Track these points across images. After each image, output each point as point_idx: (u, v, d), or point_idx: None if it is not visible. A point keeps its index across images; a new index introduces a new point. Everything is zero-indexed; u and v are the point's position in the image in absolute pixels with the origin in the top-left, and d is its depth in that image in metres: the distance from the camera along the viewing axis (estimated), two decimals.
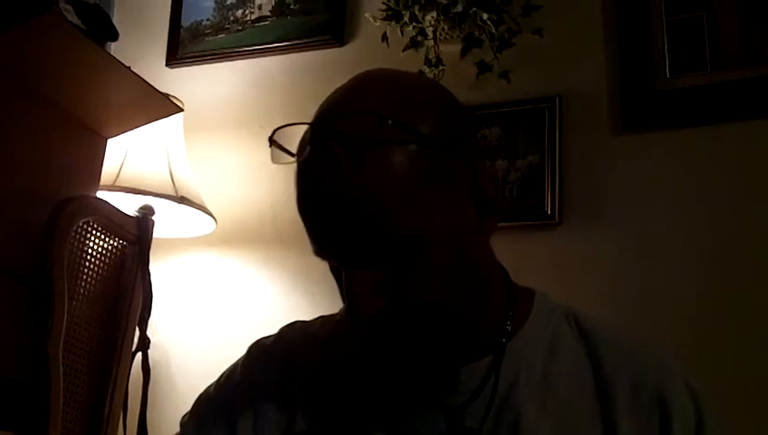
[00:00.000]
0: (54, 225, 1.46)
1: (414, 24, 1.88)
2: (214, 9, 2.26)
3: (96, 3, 1.53)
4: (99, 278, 1.61)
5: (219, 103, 2.16)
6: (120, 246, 1.68)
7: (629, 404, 0.80)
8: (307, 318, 0.99)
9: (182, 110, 1.81)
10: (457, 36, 1.87)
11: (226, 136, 2.12)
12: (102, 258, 1.63)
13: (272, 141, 0.78)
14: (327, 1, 2.11)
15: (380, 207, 0.73)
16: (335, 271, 0.81)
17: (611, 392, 0.81)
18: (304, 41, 2.12)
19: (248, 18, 2.21)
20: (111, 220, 1.64)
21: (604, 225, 1.71)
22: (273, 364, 0.93)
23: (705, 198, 1.65)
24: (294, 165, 0.78)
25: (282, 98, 2.09)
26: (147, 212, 1.77)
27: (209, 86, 2.19)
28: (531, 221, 1.75)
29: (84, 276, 1.57)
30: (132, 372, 1.71)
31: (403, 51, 1.89)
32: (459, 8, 1.81)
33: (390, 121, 0.73)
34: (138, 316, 1.70)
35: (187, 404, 0.97)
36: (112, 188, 1.76)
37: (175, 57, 2.26)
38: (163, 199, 1.80)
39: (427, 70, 1.86)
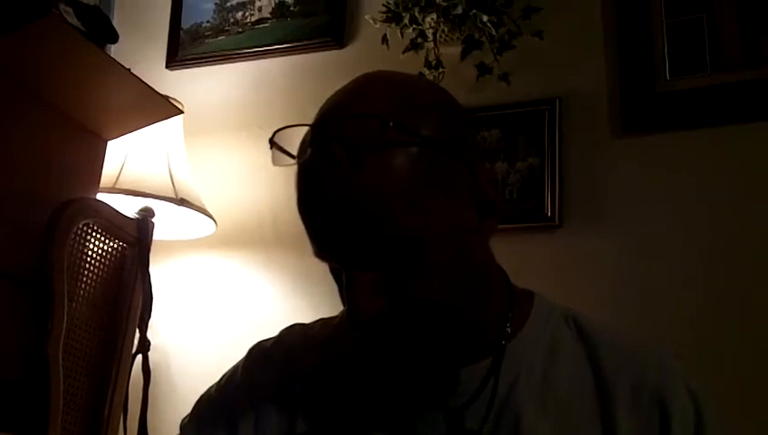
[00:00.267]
0: (54, 227, 1.46)
1: (414, 26, 1.88)
2: (214, 11, 2.26)
3: (96, 5, 1.53)
4: (99, 280, 1.61)
5: (219, 105, 2.16)
6: (120, 248, 1.68)
7: (629, 405, 0.80)
8: (307, 320, 0.99)
9: (182, 112, 1.81)
10: (457, 38, 1.87)
11: (226, 138, 2.12)
12: (102, 260, 1.63)
13: (272, 143, 0.78)
14: (327, 3, 2.11)
15: (381, 208, 0.73)
16: (335, 273, 0.81)
17: (611, 393, 0.81)
18: (304, 43, 2.12)
19: (248, 20, 2.21)
20: (111, 222, 1.64)
21: (604, 227, 1.71)
22: (273, 367, 0.93)
23: (704, 200, 1.65)
24: (295, 167, 0.78)
25: (282, 100, 2.09)
26: (147, 214, 1.77)
27: (209, 88, 2.20)
28: (531, 223, 1.75)
29: (84, 278, 1.57)
30: (132, 373, 1.71)
31: (403, 53, 1.89)
32: (459, 10, 1.81)
33: (391, 124, 0.73)
34: (138, 318, 1.70)
35: (187, 406, 0.97)
36: (112, 190, 1.76)
37: (175, 59, 2.26)
38: (163, 201, 1.80)
39: (427, 72, 1.86)
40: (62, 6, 1.41)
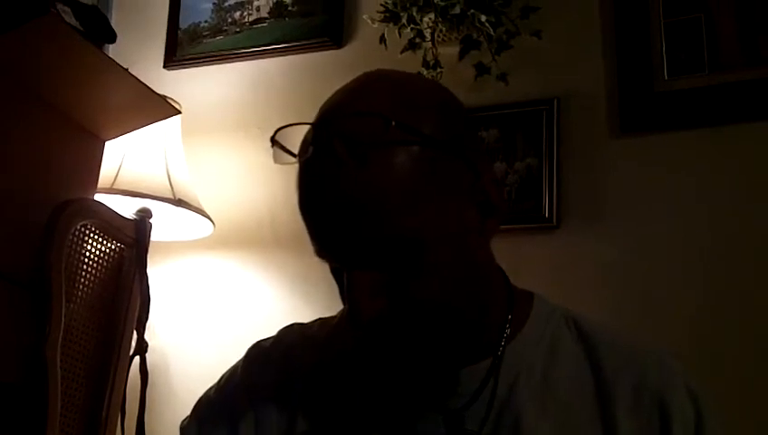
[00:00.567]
0: (53, 227, 1.46)
1: (412, 25, 1.88)
2: (212, 11, 2.26)
3: (94, 4, 1.53)
4: (96, 281, 1.61)
5: (217, 105, 2.16)
6: (117, 249, 1.68)
7: (630, 406, 0.80)
8: (305, 320, 0.99)
9: (180, 112, 1.81)
10: (455, 38, 1.87)
11: (224, 138, 2.12)
12: (100, 261, 1.62)
13: (274, 141, 0.78)
14: (325, 3, 2.11)
15: (382, 207, 0.73)
16: (336, 272, 0.81)
17: (611, 394, 0.81)
18: (302, 43, 2.11)
19: (246, 20, 2.21)
20: (109, 223, 1.64)
21: (603, 227, 1.71)
22: (272, 366, 0.93)
23: (704, 200, 1.65)
24: (296, 166, 0.78)
25: (280, 100, 2.09)
26: (144, 215, 1.77)
27: (207, 88, 2.19)
28: (529, 224, 1.75)
29: (82, 279, 1.57)
30: (130, 375, 1.70)
31: (401, 53, 1.89)
32: (457, 10, 1.81)
33: (394, 123, 0.72)
34: (135, 319, 1.70)
35: (185, 407, 0.97)
36: (110, 190, 1.76)
37: (173, 59, 2.26)
38: (161, 202, 1.80)
39: (425, 72, 1.86)
40: (60, 6, 1.40)
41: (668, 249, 1.64)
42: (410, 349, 0.79)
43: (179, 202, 1.82)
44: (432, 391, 0.84)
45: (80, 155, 1.57)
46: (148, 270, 1.72)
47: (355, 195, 0.72)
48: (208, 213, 1.90)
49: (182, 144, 1.94)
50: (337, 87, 0.82)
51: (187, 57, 2.24)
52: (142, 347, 1.72)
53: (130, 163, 1.82)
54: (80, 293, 1.56)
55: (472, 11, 1.81)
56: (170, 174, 1.85)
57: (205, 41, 2.24)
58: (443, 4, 1.82)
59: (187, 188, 1.87)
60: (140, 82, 1.54)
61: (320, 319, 0.98)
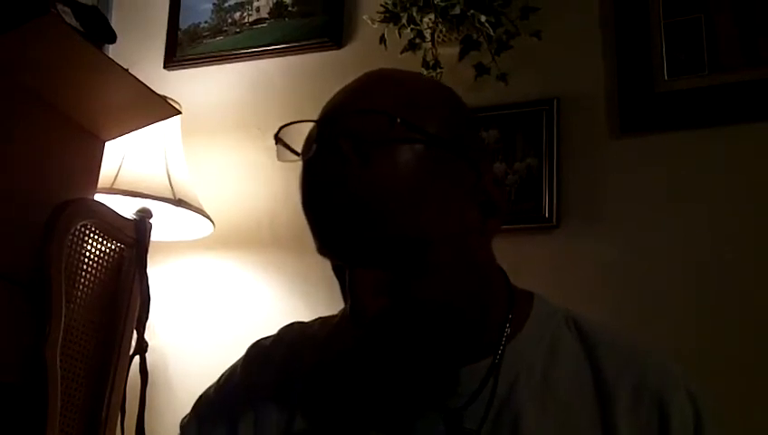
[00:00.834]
0: (53, 227, 1.46)
1: (412, 26, 1.88)
2: (212, 11, 2.26)
3: (94, 5, 1.53)
4: (96, 281, 1.61)
5: (217, 106, 2.16)
6: (117, 249, 1.68)
7: (629, 407, 0.80)
8: (305, 320, 0.99)
9: (180, 112, 1.81)
10: (455, 38, 1.87)
11: (224, 138, 2.12)
12: (100, 261, 1.63)
13: (277, 139, 0.78)
14: (325, 3, 2.11)
15: (386, 206, 0.73)
16: (337, 270, 0.81)
17: (611, 395, 0.81)
18: (302, 43, 2.12)
19: (246, 20, 2.21)
20: (109, 223, 1.64)
21: (602, 227, 1.71)
22: (272, 365, 0.93)
23: (703, 200, 1.65)
24: (298, 165, 0.78)
25: (280, 100, 2.09)
26: (144, 215, 1.77)
27: (207, 88, 2.19)
28: (528, 224, 1.75)
29: (82, 280, 1.57)
30: (130, 375, 1.70)
31: (401, 53, 1.89)
32: (457, 10, 1.81)
33: (399, 120, 0.73)
34: (135, 319, 1.70)
35: (185, 407, 0.97)
36: (110, 190, 1.76)
37: (173, 59, 2.26)
38: (161, 202, 1.80)
39: (425, 72, 1.86)
40: (60, 6, 1.40)
41: (668, 249, 1.64)
42: (411, 347, 0.79)
43: (179, 202, 1.82)
44: (432, 390, 0.84)
45: (80, 155, 1.57)
46: (148, 270, 1.72)
47: (359, 193, 0.73)
48: (208, 213, 1.90)
49: (182, 144, 1.94)
50: (337, 88, 0.82)
51: (187, 57, 2.24)
52: (142, 347, 1.72)
53: (130, 163, 1.82)
54: (80, 293, 1.56)
55: (472, 11, 1.81)
56: (170, 174, 1.85)
57: (205, 41, 2.24)
58: (443, 4, 1.82)
59: (186, 189, 1.87)
60: (140, 82, 1.54)
61: (320, 318, 0.98)
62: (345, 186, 0.73)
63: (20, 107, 1.44)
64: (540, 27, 1.82)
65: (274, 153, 0.79)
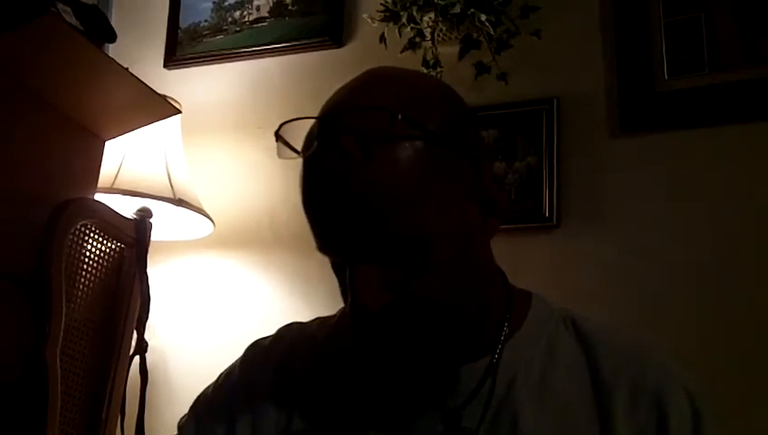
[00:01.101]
0: (53, 227, 1.46)
1: (412, 25, 1.88)
2: (212, 10, 2.26)
3: (94, 4, 1.53)
4: (96, 281, 1.61)
5: (217, 105, 2.16)
6: (117, 249, 1.68)
7: (627, 407, 0.80)
8: (305, 320, 0.99)
9: (180, 111, 1.81)
10: (455, 37, 1.87)
11: (224, 138, 2.12)
12: (100, 261, 1.62)
13: (278, 136, 0.78)
14: (325, 2, 2.11)
15: (387, 203, 0.73)
16: (337, 268, 0.81)
17: (609, 394, 0.81)
18: (302, 42, 2.11)
19: (246, 19, 2.21)
20: (109, 223, 1.64)
21: (602, 227, 1.71)
22: (270, 365, 0.93)
23: (703, 199, 1.65)
24: (298, 163, 0.78)
25: (280, 99, 2.09)
26: (144, 214, 1.76)
27: (207, 88, 2.19)
28: (529, 223, 1.75)
29: (82, 279, 1.57)
30: (130, 375, 1.70)
31: (401, 52, 1.89)
32: (457, 9, 1.81)
33: (400, 117, 0.73)
34: (135, 319, 1.70)
35: (184, 407, 0.97)
36: (110, 190, 1.76)
37: (173, 58, 2.26)
38: (161, 202, 1.80)
39: (425, 71, 1.86)
40: (60, 5, 1.40)
41: (668, 248, 1.64)
42: (411, 345, 0.79)
43: (179, 202, 1.82)
44: (431, 389, 0.84)
45: (80, 155, 1.57)
46: (149, 270, 1.72)
47: (361, 190, 0.73)
48: (208, 212, 1.90)
49: (182, 144, 1.94)
50: (337, 86, 0.82)
51: (188, 56, 2.24)
52: (142, 347, 1.72)
53: (131, 163, 1.82)
54: (80, 292, 1.56)
55: (472, 10, 1.81)
56: (170, 174, 1.85)
57: (205, 40, 2.24)
58: (443, 3, 1.82)
59: (187, 188, 1.87)
60: (140, 81, 1.54)
61: (318, 318, 0.98)
62: (347, 182, 0.73)
63: (20, 106, 1.44)
64: (540, 26, 1.82)
65: (275, 152, 0.79)
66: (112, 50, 1.95)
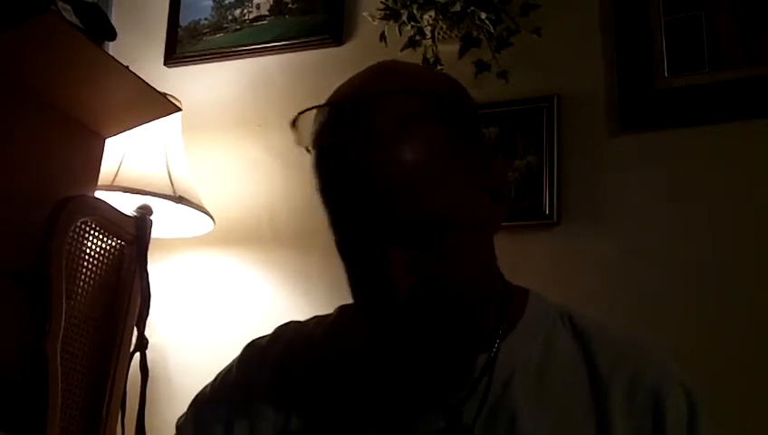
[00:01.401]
0: (53, 224, 1.46)
1: (412, 23, 1.88)
2: (212, 8, 2.26)
3: (94, 2, 1.53)
4: (97, 278, 1.61)
5: (217, 103, 2.16)
6: (118, 246, 1.68)
7: (625, 404, 0.81)
8: (305, 318, 0.99)
9: (180, 109, 1.81)
10: (455, 36, 1.88)
11: (224, 135, 2.12)
12: (100, 258, 1.63)
13: (294, 125, 0.78)
14: (325, 0, 2.11)
15: (417, 185, 0.74)
16: (354, 256, 0.79)
17: (606, 392, 0.81)
18: (302, 40, 2.11)
19: (246, 17, 2.21)
20: (110, 220, 1.64)
21: (602, 225, 1.72)
22: (268, 364, 0.92)
23: (703, 198, 1.65)
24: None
25: (280, 97, 2.09)
26: (145, 212, 1.77)
27: (207, 85, 2.19)
28: (529, 221, 1.75)
29: (82, 276, 1.57)
30: (130, 372, 1.71)
31: (401, 50, 1.89)
32: (457, 7, 1.81)
33: (427, 103, 0.75)
34: (136, 316, 1.70)
35: (185, 404, 0.97)
36: (110, 187, 1.76)
37: (173, 56, 2.26)
38: (161, 199, 1.80)
39: None
40: (60, 3, 1.40)
41: (668, 246, 1.65)
42: (431, 332, 0.78)
43: (180, 199, 1.82)
44: (437, 386, 0.83)
45: (80, 152, 1.57)
46: (149, 267, 1.73)
47: (392, 173, 0.73)
48: (209, 210, 1.90)
49: (182, 141, 1.94)
50: (337, 84, 0.82)
51: (188, 54, 2.24)
52: (142, 344, 1.72)
53: (131, 160, 1.82)
54: (80, 290, 1.56)
55: (472, 8, 1.81)
56: (171, 171, 1.85)
57: (205, 38, 2.24)
58: (443, 1, 1.83)
59: (187, 185, 1.87)
60: (141, 79, 1.54)
61: (316, 317, 0.98)
62: (378, 166, 0.73)
63: (20, 105, 1.44)
64: (540, 24, 1.82)
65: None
66: (112, 48, 1.95)
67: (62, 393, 1.44)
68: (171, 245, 2.03)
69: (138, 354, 1.71)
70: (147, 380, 1.72)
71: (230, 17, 2.23)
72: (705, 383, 0.84)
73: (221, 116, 2.14)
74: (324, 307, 0.98)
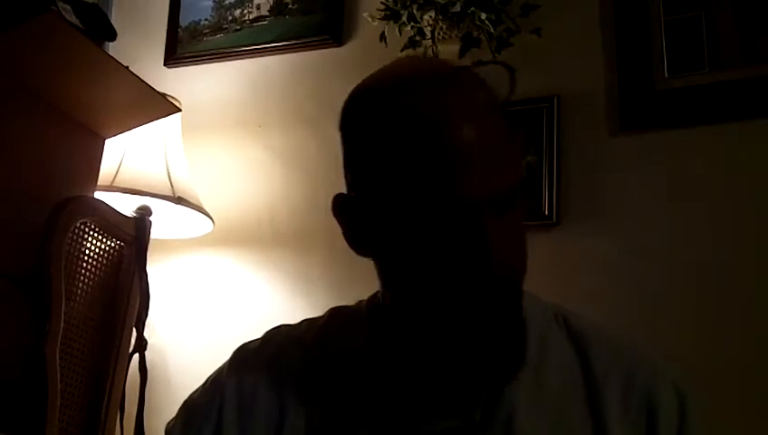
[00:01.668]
0: (52, 225, 1.46)
1: (412, 23, 1.88)
2: (212, 9, 2.26)
3: (94, 2, 1.53)
4: (96, 279, 1.61)
5: (217, 103, 2.16)
6: (117, 247, 1.68)
7: (620, 405, 0.81)
8: (305, 318, 0.99)
9: (180, 110, 1.81)
10: (456, 36, 1.87)
11: (224, 136, 2.12)
12: (100, 259, 1.63)
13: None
14: (325, 1, 2.11)
15: (508, 156, 0.78)
16: (433, 224, 0.76)
17: (601, 393, 0.82)
18: (302, 40, 2.11)
19: (246, 18, 2.21)
20: (109, 221, 1.64)
21: (602, 225, 1.71)
22: (259, 368, 0.91)
23: (703, 198, 1.65)
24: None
25: (280, 98, 2.09)
26: (144, 213, 1.77)
27: (207, 86, 2.19)
28: (528, 221, 1.74)
29: (81, 277, 1.57)
30: (129, 373, 1.71)
31: (401, 51, 1.89)
32: (457, 8, 1.81)
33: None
34: (135, 317, 1.70)
35: None
36: (110, 188, 1.76)
37: (173, 57, 2.26)
38: (160, 200, 1.80)
39: None
40: (60, 4, 1.40)
41: (668, 247, 1.64)
42: (499, 311, 0.79)
43: (179, 200, 1.81)
44: (482, 376, 0.81)
45: (80, 153, 1.57)
46: (148, 268, 1.73)
47: (488, 140, 0.76)
48: (208, 211, 1.90)
49: (182, 142, 1.94)
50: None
51: (188, 55, 2.24)
52: (142, 345, 1.72)
53: (130, 161, 1.82)
54: (79, 290, 1.56)
55: (472, 9, 1.81)
56: (170, 172, 1.85)
57: (205, 39, 2.24)
58: (443, 2, 1.82)
59: (186, 186, 1.87)
60: (141, 79, 1.54)
61: (306, 320, 0.97)
62: (481, 131, 0.75)
63: (20, 105, 1.44)
64: (540, 25, 1.81)
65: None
66: (112, 48, 1.95)
67: (61, 394, 1.44)
68: (170, 245, 2.03)
69: (137, 355, 1.71)
70: (146, 381, 1.72)
71: (230, 17, 2.23)
72: (705, 383, 0.85)
73: (221, 116, 2.14)
74: (325, 308, 0.98)
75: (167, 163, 1.85)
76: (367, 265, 0.88)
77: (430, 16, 1.86)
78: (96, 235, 1.61)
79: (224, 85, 2.18)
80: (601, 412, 0.81)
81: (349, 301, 0.96)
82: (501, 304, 0.78)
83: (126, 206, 1.75)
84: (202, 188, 1.97)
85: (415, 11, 1.86)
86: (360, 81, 0.86)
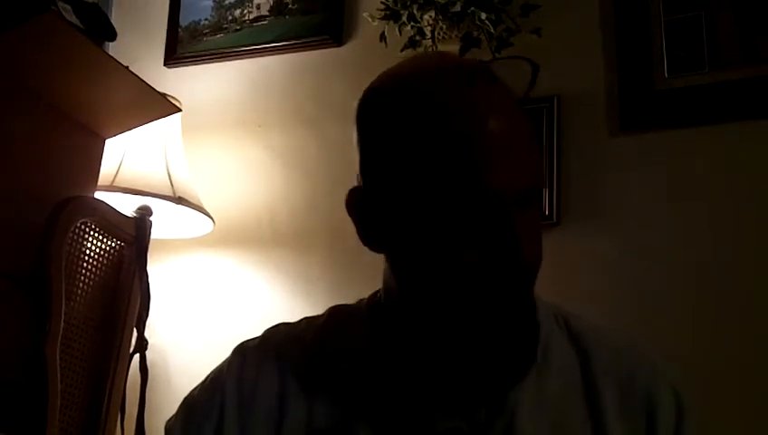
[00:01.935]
0: (53, 225, 1.46)
1: (412, 23, 1.88)
2: (212, 9, 2.26)
3: (94, 2, 1.53)
4: (96, 279, 1.61)
5: (217, 103, 2.16)
6: (117, 247, 1.68)
7: (619, 407, 0.82)
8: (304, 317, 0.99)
9: (180, 110, 1.81)
10: (456, 36, 1.87)
11: (224, 136, 2.12)
12: (100, 259, 1.63)
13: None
14: (325, 0, 2.11)
15: (532, 149, 0.79)
16: (459, 218, 0.75)
17: (601, 394, 0.82)
18: (302, 40, 2.11)
19: (246, 18, 2.21)
20: (109, 221, 1.64)
21: (602, 225, 1.71)
22: (258, 367, 0.91)
23: (703, 198, 1.65)
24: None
25: (280, 97, 2.09)
26: (144, 213, 1.77)
27: (207, 86, 2.19)
28: None
29: (82, 277, 1.57)
30: (130, 373, 1.70)
31: (401, 51, 1.89)
32: (457, 8, 1.81)
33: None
34: (135, 317, 1.70)
35: None
36: (110, 188, 1.76)
37: (173, 57, 2.26)
38: (161, 200, 1.80)
39: None
40: (60, 4, 1.40)
41: (668, 247, 1.64)
42: (515, 303, 0.79)
43: (179, 200, 1.81)
44: (491, 376, 0.82)
45: (80, 153, 1.57)
46: (148, 268, 1.73)
47: (524, 128, 0.78)
48: (208, 211, 1.90)
49: (182, 142, 1.94)
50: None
51: (188, 55, 2.24)
52: (142, 345, 1.72)
53: (131, 161, 1.82)
54: (80, 290, 1.56)
55: (472, 9, 1.81)
56: (170, 172, 1.85)
57: (205, 39, 2.24)
58: (443, 1, 1.83)
59: (187, 186, 1.87)
60: (141, 79, 1.54)
61: (305, 318, 0.97)
62: (517, 120, 0.78)
63: (20, 105, 1.44)
64: (540, 25, 1.81)
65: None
66: (112, 48, 1.95)
67: (61, 394, 1.44)
68: (171, 245, 2.03)
69: (137, 355, 1.71)
70: (146, 381, 1.72)
71: (230, 17, 2.23)
72: (705, 383, 0.85)
73: (221, 116, 2.14)
74: (325, 308, 0.98)
75: (167, 163, 1.85)
76: (366, 266, 0.88)
77: (430, 16, 1.86)
78: (96, 235, 1.61)
79: (224, 85, 2.18)
80: (601, 414, 0.81)
81: (349, 301, 0.96)
82: (520, 299, 0.78)
83: (126, 206, 1.75)
84: (202, 188, 1.97)
85: (415, 11, 1.86)
86: (359, 80, 0.86)
